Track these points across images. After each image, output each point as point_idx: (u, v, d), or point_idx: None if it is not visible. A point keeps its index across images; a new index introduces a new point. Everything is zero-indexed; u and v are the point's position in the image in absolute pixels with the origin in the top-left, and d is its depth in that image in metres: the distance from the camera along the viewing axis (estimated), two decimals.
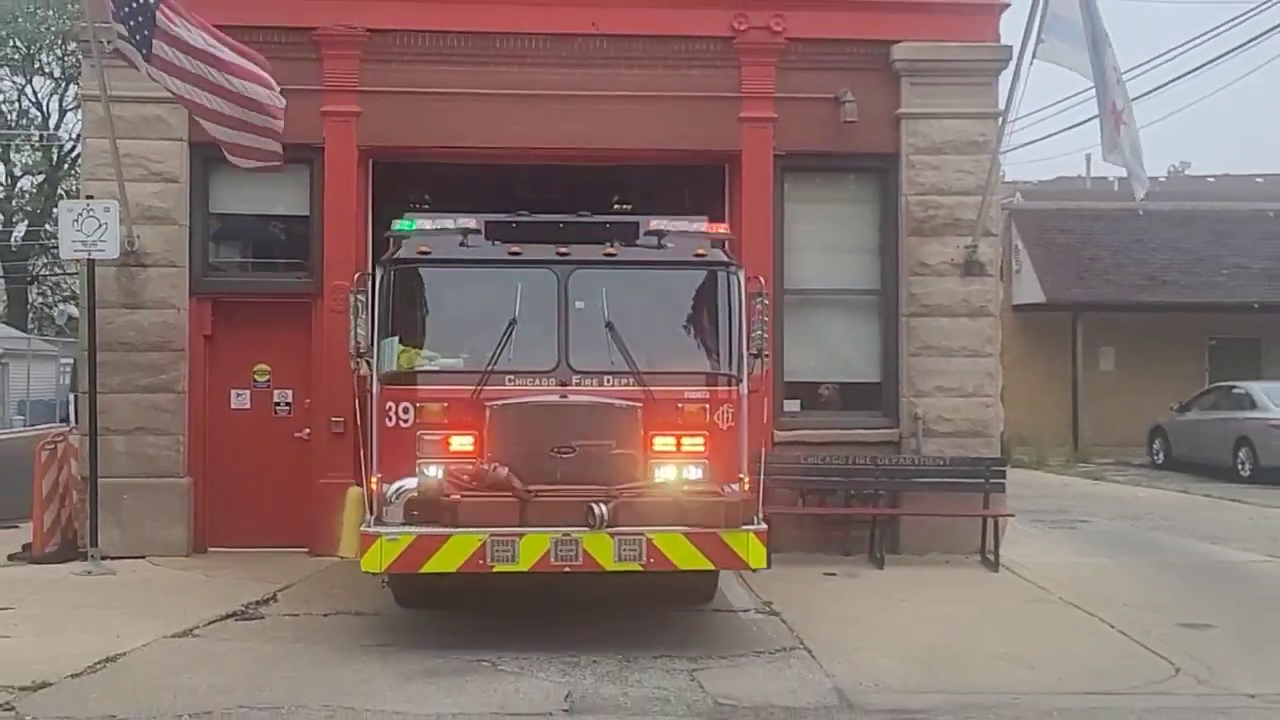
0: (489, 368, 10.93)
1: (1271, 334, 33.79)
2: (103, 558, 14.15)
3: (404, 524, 10.34)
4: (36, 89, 52.68)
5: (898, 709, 9.02)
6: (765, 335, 11.74)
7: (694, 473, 11.14)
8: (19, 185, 55.68)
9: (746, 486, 11.24)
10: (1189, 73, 44.54)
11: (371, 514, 10.62)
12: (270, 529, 15.06)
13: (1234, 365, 32.12)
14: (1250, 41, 26.93)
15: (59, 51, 51.14)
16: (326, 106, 14.89)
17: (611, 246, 11.51)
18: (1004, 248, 27.58)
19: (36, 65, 51.99)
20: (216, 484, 15.25)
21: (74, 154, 53.33)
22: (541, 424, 10.86)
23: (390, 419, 11.06)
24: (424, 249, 11.38)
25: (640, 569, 10.36)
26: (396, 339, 11.38)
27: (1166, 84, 41.55)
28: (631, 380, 11.04)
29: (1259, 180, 43.99)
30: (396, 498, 10.54)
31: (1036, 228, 34.18)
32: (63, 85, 52.31)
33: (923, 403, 15.28)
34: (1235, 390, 28.36)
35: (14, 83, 52.47)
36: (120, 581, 13.62)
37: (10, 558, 14.74)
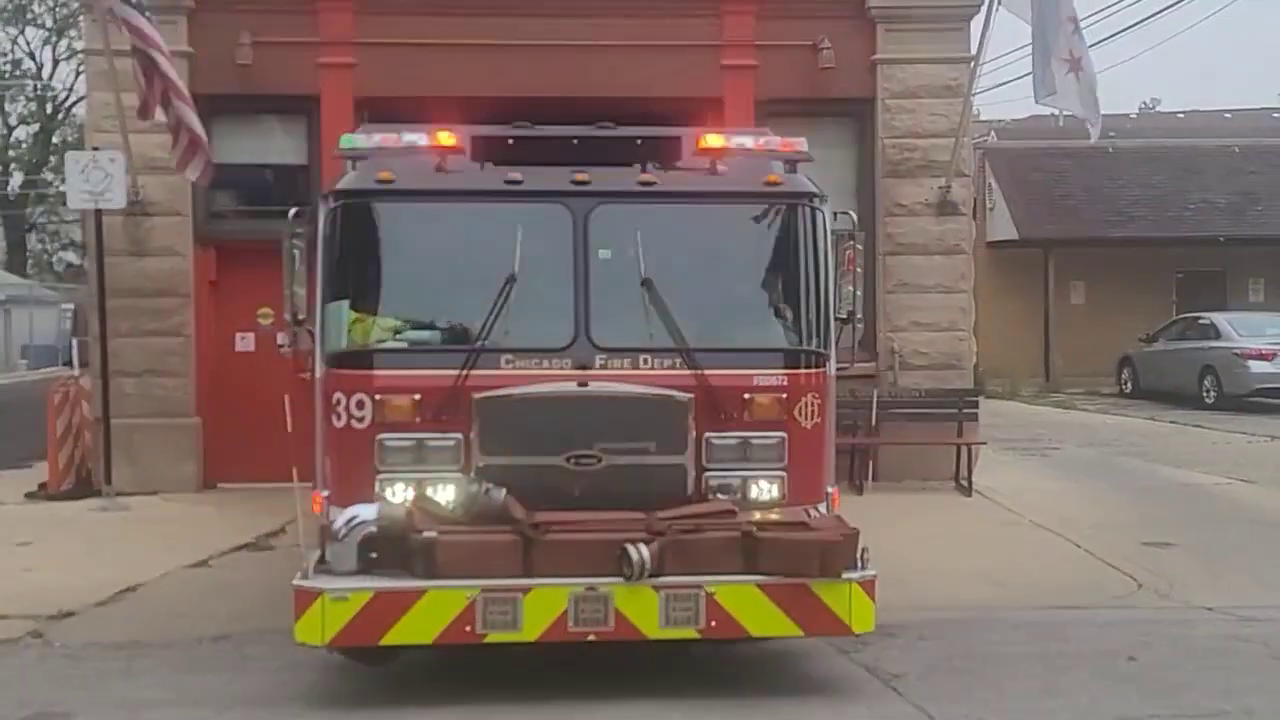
0: (478, 344, 7.82)
1: (1236, 266, 34.18)
2: (116, 494, 14.37)
3: (357, 572, 7.21)
4: (29, 39, 52.50)
5: (877, 625, 9.27)
6: (858, 293, 8.68)
7: (767, 490, 8.10)
8: (14, 135, 55.59)
9: (835, 506, 8.42)
10: (1160, 11, 44.54)
11: (313, 554, 7.50)
12: (276, 465, 15.12)
13: (1200, 297, 32.41)
14: None
15: (50, 2, 51.01)
16: (323, 59, 15.02)
17: (648, 171, 8.35)
18: (978, 186, 27.80)
19: (29, 16, 51.84)
20: (224, 423, 15.42)
21: (68, 104, 53.40)
22: (552, 424, 7.76)
23: (338, 416, 7.86)
24: (385, 176, 8.10)
25: (697, 637, 7.37)
26: (347, 303, 8.10)
27: (1138, 23, 41.64)
28: (679, 361, 7.93)
29: (1227, 116, 44.07)
30: (347, 532, 7.30)
31: (1009, 166, 34.31)
32: (55, 36, 52.22)
33: (899, 337, 15.53)
34: (1201, 321, 28.71)
35: (6, 33, 52.29)
36: (134, 517, 13.88)
37: (28, 495, 15.05)
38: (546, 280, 8.09)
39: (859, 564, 7.43)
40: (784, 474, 8.13)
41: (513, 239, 7.93)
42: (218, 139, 15.45)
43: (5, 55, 52.63)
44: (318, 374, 8.17)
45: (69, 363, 17.95)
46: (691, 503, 7.82)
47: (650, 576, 7.10)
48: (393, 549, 7.22)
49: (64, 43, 51.76)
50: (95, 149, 14.51)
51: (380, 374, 7.95)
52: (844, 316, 8.58)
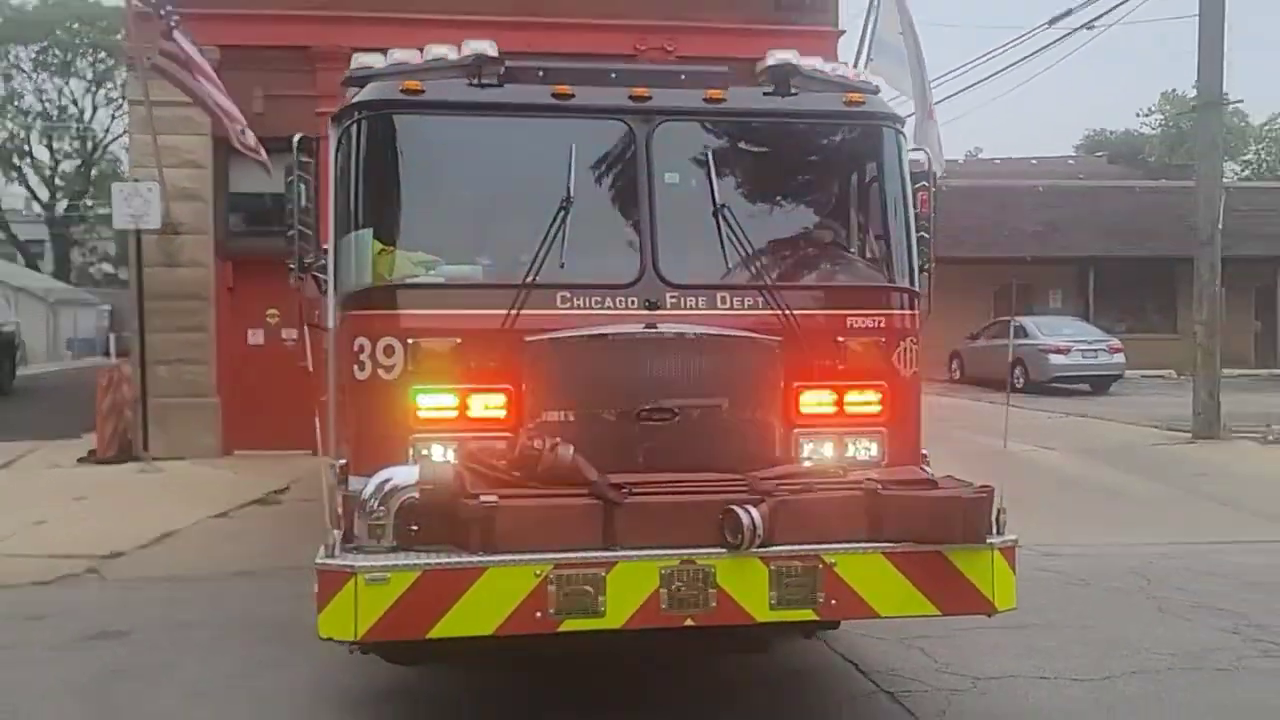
0: (529, 280, 5.39)
1: (1041, 281, 35.00)
2: (152, 459, 14.29)
3: (394, 548, 4.82)
4: (73, 89, 52.00)
5: None
6: (933, 241, 6.33)
7: (866, 450, 5.81)
8: (60, 167, 54.87)
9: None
10: (979, 82, 45.53)
11: (337, 530, 4.88)
12: (281, 436, 15.12)
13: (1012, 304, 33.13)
14: (1025, 58, 27.71)
15: (90, 59, 50.51)
16: (320, 109, 14.85)
17: (715, 88, 5.96)
18: None
19: (72, 70, 51.33)
20: (239, 402, 15.37)
21: (104, 142, 52.80)
22: (621, 373, 5.43)
23: (360, 366, 5.44)
24: (413, 85, 5.64)
25: (814, 619, 5.12)
26: (370, 233, 5.66)
27: (965, 89, 42.30)
28: (762, 300, 5.66)
29: (1033, 162, 45.03)
30: (380, 501, 4.89)
31: None
32: (94, 86, 51.64)
33: None
34: (1013, 323, 29.30)
35: (54, 84, 51.72)
36: (167, 478, 13.79)
37: (79, 460, 14.89)
38: (605, 208, 5.80)
39: (995, 528, 5.10)
40: (885, 431, 5.85)
41: (566, 159, 5.58)
42: (234, 172, 15.51)
43: (53, 102, 51.83)
44: (332, 321, 5.89)
45: (107, 353, 17.83)
46: (782, 465, 5.54)
47: (761, 546, 4.84)
48: (438, 519, 4.82)
49: (102, 91, 51.10)
50: (136, 180, 14.41)
51: (413, 314, 5.46)
52: (922, 264, 6.22)
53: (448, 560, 4.70)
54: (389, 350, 5.40)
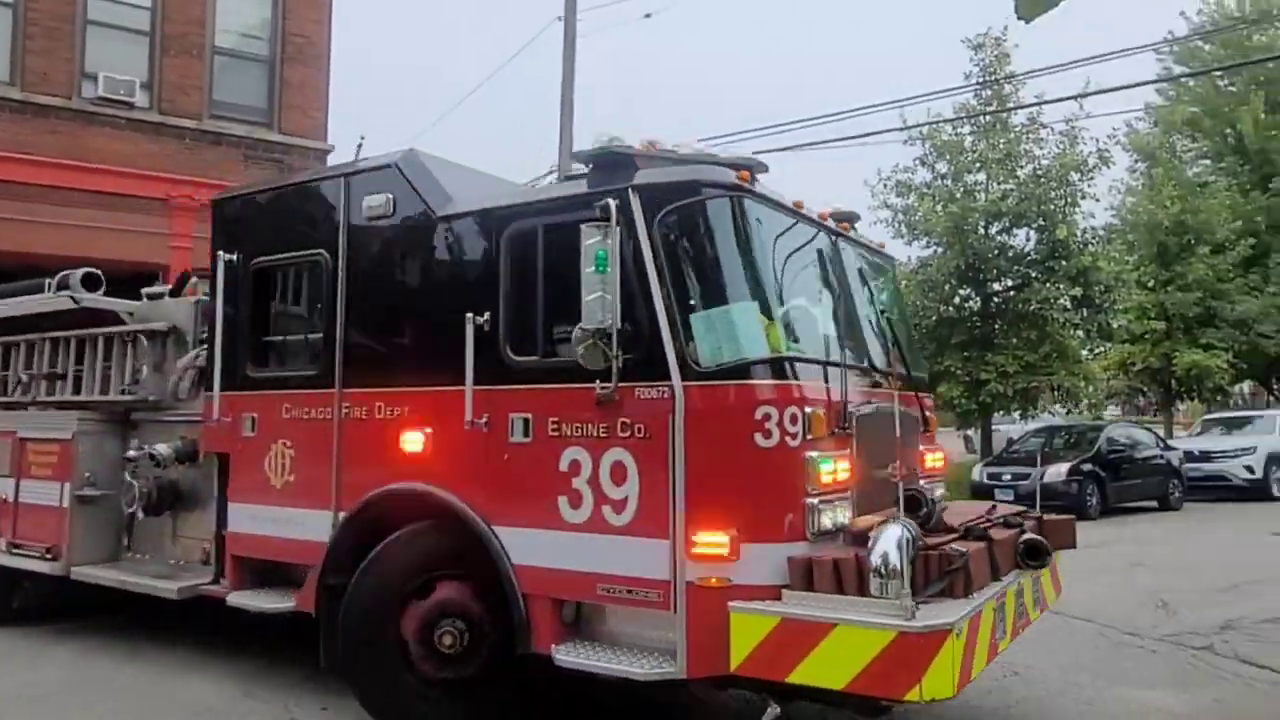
0: (843, 360, 5.29)
1: None
2: None
3: (923, 601, 4.39)
4: None
5: None
6: None
7: (943, 494, 6.25)
8: None
9: None
10: None
11: (822, 599, 4.49)
12: None
13: None
14: None
15: None
16: None
17: (845, 222, 6.21)
18: None
19: None
20: None
21: None
22: (891, 441, 5.04)
23: (765, 434, 4.73)
24: (745, 176, 5.14)
25: (1035, 618, 5.37)
26: (756, 306, 4.97)
27: None
28: (907, 383, 5.84)
29: None
30: (887, 562, 4.32)
31: None
32: None
33: None
34: None
35: None
36: None
37: None
38: (845, 304, 5.81)
39: None
40: (943, 479, 6.44)
41: (824, 259, 5.70)
42: None
43: None
44: (683, 392, 4.80)
45: None
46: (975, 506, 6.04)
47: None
48: (910, 571, 4.44)
49: None
50: None
51: (809, 385, 4.97)
52: None
53: (977, 602, 4.50)
54: (794, 418, 4.81)
